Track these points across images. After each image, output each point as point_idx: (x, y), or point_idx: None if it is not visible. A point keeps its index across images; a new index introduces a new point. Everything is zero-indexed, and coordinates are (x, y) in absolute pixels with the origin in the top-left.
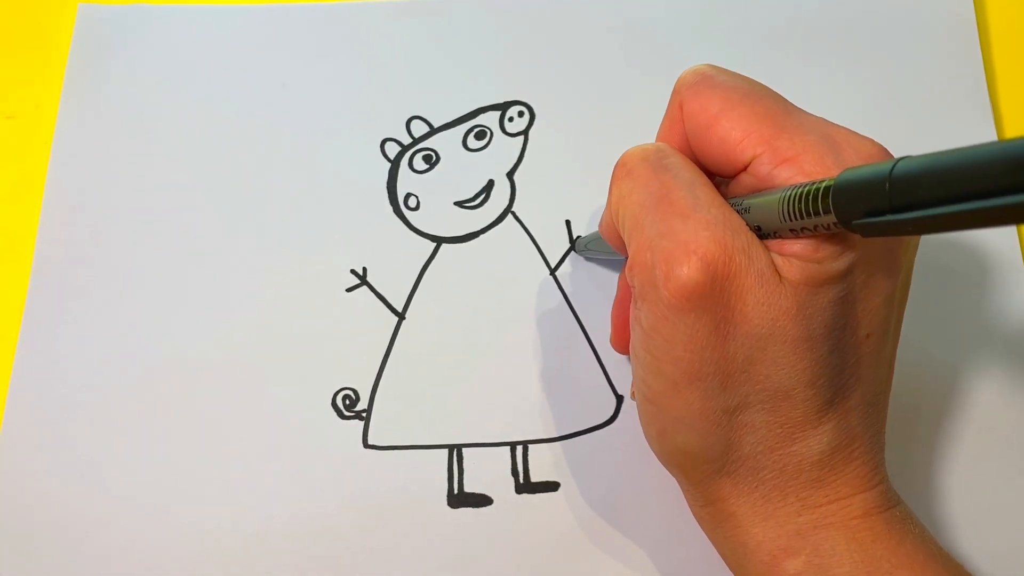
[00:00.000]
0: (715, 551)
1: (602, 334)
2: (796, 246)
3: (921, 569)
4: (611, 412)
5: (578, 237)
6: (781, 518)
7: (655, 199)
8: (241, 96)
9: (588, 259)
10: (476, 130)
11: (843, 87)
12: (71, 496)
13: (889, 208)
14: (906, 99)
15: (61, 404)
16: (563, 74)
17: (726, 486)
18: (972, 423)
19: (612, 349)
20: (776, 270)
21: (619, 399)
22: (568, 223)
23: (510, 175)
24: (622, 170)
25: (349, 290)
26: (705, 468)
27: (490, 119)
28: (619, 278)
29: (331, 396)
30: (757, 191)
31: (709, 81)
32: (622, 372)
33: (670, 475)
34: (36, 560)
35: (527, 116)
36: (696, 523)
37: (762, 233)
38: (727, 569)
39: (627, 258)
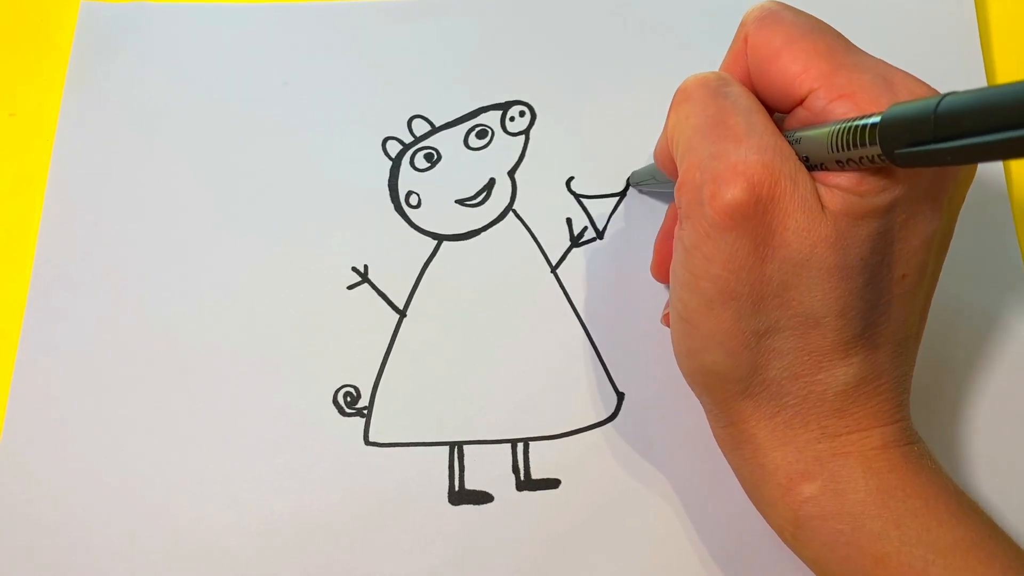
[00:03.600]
0: (715, 549)
1: (603, 331)
2: (841, 178)
3: (934, 500)
4: (612, 409)
5: (633, 172)
6: (800, 444)
7: (711, 123)
8: (242, 94)
9: (641, 191)
10: (477, 129)
11: None
12: (72, 494)
13: (932, 140)
14: None
15: (63, 400)
16: (564, 74)
17: (748, 408)
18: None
19: (613, 345)
20: (819, 199)
21: (620, 396)
22: (569, 221)
23: (511, 173)
24: (681, 95)
25: (351, 287)
26: (729, 388)
27: (491, 118)
28: (668, 208)
29: (332, 393)
30: (811, 124)
31: (774, 16)
32: (623, 369)
33: (670, 473)
34: (37, 559)
35: (528, 116)
36: (695, 520)
37: (810, 164)
38: (727, 566)
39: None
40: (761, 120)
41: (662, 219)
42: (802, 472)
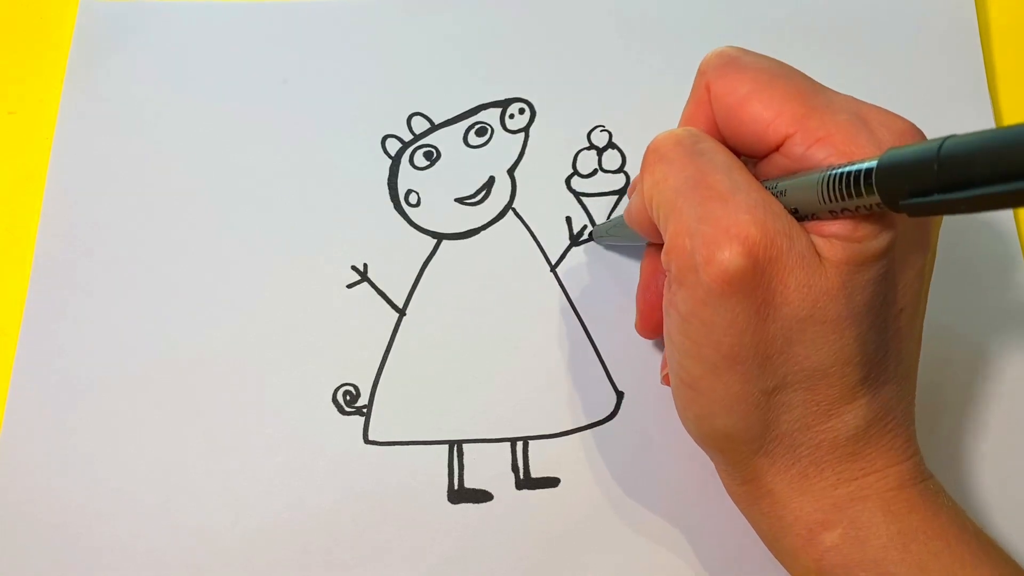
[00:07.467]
0: (715, 549)
1: (602, 330)
2: (835, 227)
3: (956, 541)
4: (611, 408)
5: (596, 225)
6: (818, 492)
7: (691, 183)
8: (242, 92)
9: (607, 247)
10: (477, 127)
11: (843, 86)
12: (72, 493)
13: (936, 188)
14: (906, 98)
15: (62, 400)
16: (564, 71)
17: (763, 464)
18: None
19: (613, 344)
20: (816, 252)
21: (619, 395)
22: (568, 219)
23: (511, 171)
24: (654, 156)
25: (350, 286)
26: (743, 449)
27: (491, 116)
28: (641, 263)
29: (332, 392)
30: (791, 172)
31: (736, 63)
32: (622, 368)
33: (669, 472)
34: (36, 558)
35: (528, 113)
36: (694, 519)
37: (798, 215)
38: (726, 565)
39: (648, 243)
40: (743, 176)
41: None
42: (821, 521)
